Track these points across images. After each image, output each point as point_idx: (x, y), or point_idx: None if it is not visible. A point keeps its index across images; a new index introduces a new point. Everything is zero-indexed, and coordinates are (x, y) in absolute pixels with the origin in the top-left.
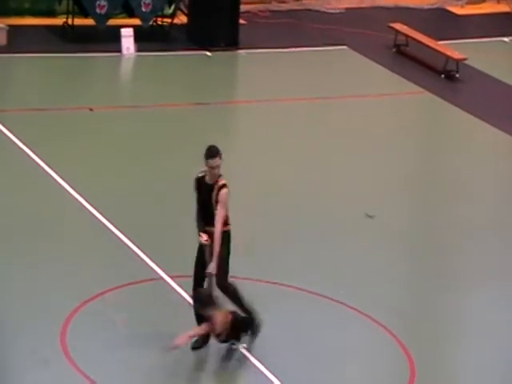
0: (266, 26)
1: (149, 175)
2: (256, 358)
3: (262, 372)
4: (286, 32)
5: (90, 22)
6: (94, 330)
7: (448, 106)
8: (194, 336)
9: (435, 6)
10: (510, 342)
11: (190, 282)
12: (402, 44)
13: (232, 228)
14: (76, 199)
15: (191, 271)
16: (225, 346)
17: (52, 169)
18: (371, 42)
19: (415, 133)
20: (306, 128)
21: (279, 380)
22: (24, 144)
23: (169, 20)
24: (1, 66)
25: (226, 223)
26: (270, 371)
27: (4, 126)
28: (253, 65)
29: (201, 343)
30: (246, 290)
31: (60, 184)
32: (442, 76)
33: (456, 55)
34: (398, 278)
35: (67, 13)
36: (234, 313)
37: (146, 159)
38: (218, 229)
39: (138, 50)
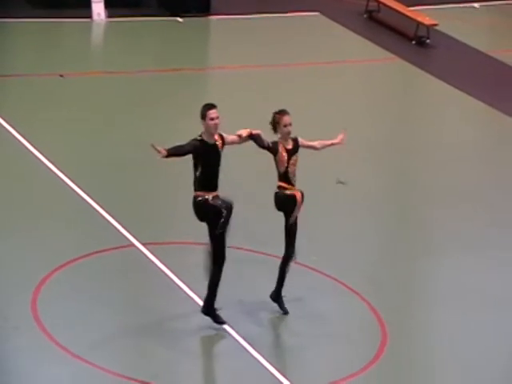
0: None
1: (120, 142)
2: (228, 325)
3: (233, 337)
4: None
5: None
6: (65, 297)
7: (419, 72)
8: None
9: None
10: (480, 306)
11: (162, 248)
12: (374, 10)
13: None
14: (47, 166)
15: (163, 238)
16: None
17: (22, 135)
18: (343, 8)
19: (386, 99)
20: (277, 94)
21: (251, 346)
22: None
23: None
24: None
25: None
26: (242, 337)
27: None
28: (225, 31)
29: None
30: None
31: (30, 151)
32: (413, 42)
33: (427, 21)
34: (370, 244)
35: None
36: None
37: (117, 126)
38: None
39: (109, 15)
